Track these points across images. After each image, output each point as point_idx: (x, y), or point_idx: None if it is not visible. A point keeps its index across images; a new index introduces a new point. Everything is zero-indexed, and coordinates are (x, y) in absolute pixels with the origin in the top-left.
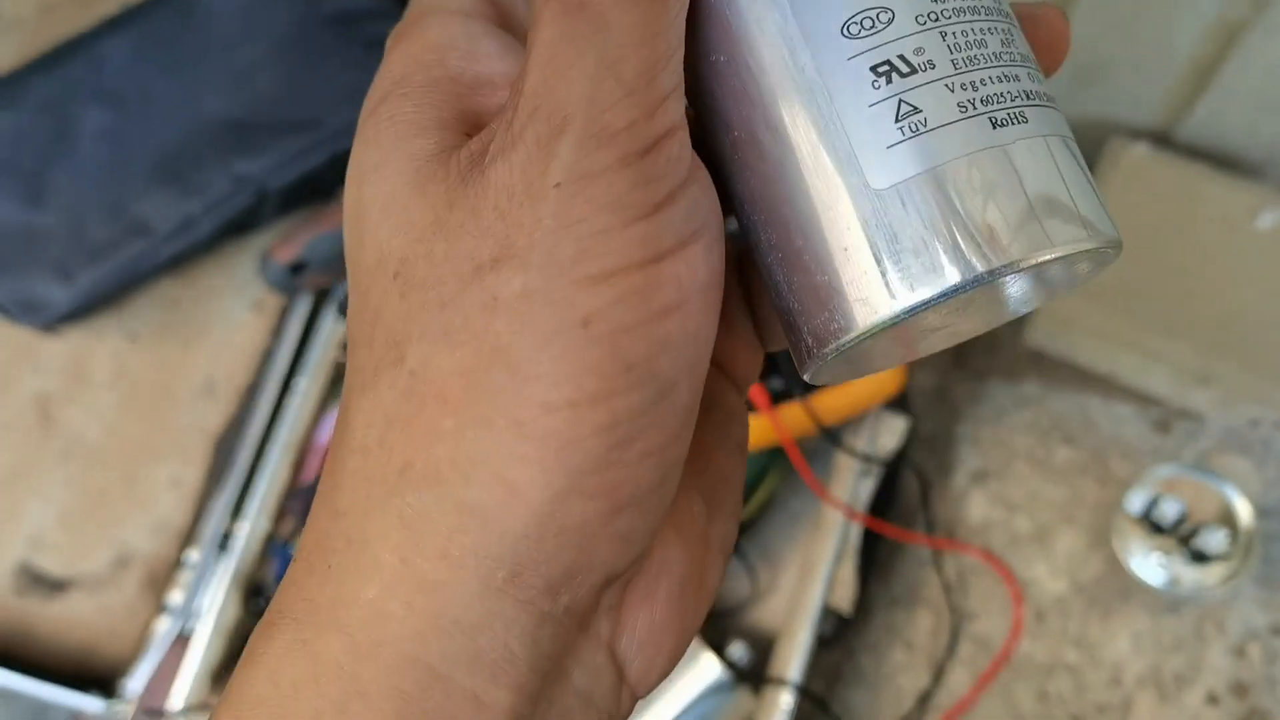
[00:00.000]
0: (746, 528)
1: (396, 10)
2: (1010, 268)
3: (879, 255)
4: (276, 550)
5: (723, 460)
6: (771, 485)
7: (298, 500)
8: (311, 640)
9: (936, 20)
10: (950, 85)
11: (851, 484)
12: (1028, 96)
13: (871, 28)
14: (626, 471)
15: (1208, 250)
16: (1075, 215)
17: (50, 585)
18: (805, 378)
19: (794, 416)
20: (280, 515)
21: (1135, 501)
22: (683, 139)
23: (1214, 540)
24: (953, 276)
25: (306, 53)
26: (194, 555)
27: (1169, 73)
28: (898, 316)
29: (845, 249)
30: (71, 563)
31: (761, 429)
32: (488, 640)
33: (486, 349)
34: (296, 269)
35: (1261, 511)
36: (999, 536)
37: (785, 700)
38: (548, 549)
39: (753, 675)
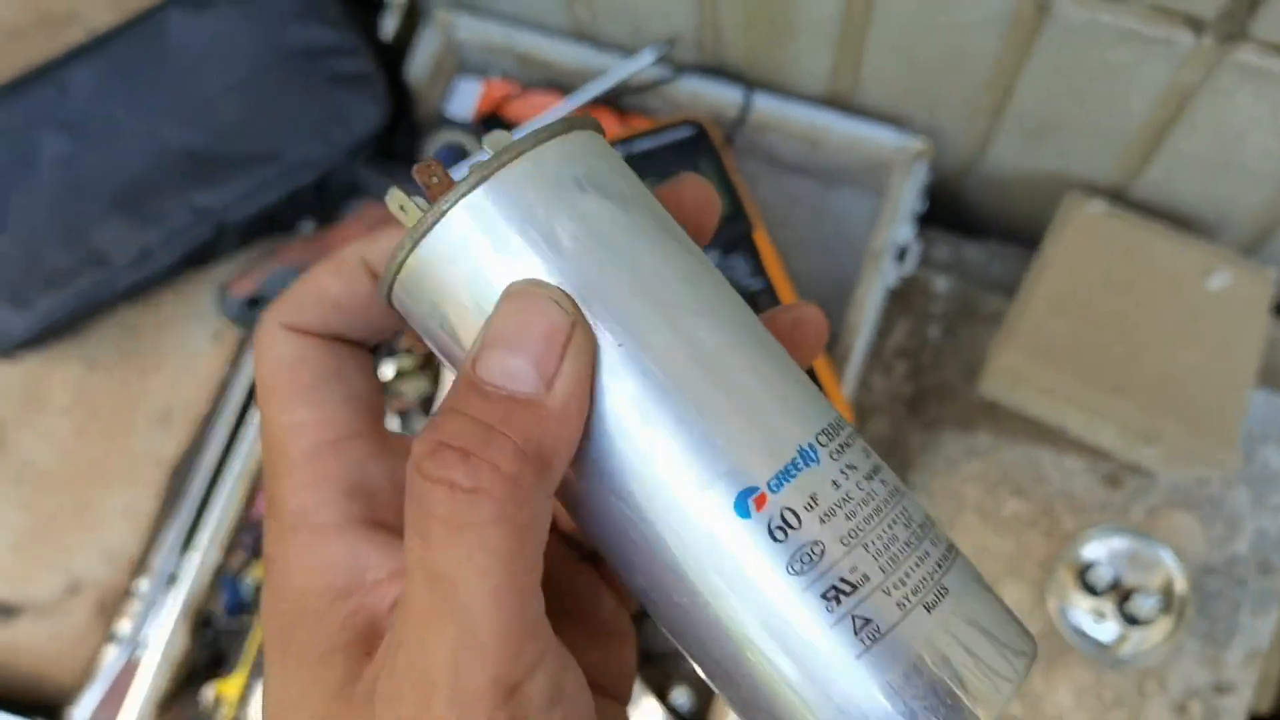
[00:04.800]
0: None
1: (362, 47)
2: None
3: None
4: (225, 583)
5: None
6: None
7: (249, 534)
8: None
9: (856, 536)
10: (887, 590)
11: None
12: (939, 565)
13: (810, 562)
14: None
15: (1158, 309)
16: (1010, 646)
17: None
18: None
19: None
20: (231, 548)
21: (1071, 563)
22: (549, 669)
23: (1146, 606)
24: None
25: (271, 86)
26: (144, 585)
27: (1122, 133)
28: None
29: None
30: (21, 588)
31: None
32: None
33: None
34: (254, 303)
35: (1207, 569)
36: None
37: None
38: None
39: None
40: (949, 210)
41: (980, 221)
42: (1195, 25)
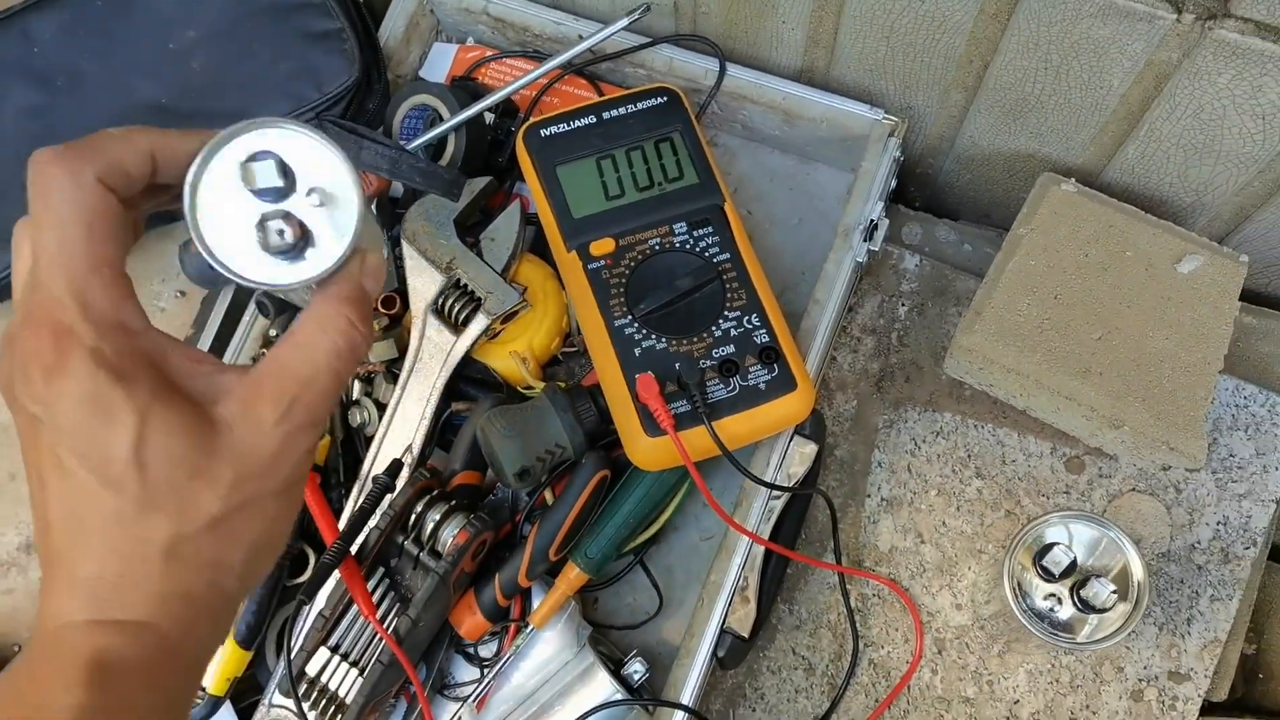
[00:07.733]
0: (652, 544)
1: (334, 4)
2: None
3: None
4: None
5: None
6: (679, 502)
7: None
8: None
9: None
10: None
11: (758, 507)
12: None
13: None
14: None
15: (1128, 292)
16: None
17: None
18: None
19: (699, 440)
20: None
21: (1029, 547)
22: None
23: (1102, 593)
24: None
25: (240, 42)
26: None
27: (1099, 112)
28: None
29: None
30: None
31: (668, 450)
32: None
33: None
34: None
35: (1168, 556)
36: (906, 565)
37: None
38: None
39: (649, 694)
40: (922, 193)
41: (953, 206)
42: (1176, 1)
